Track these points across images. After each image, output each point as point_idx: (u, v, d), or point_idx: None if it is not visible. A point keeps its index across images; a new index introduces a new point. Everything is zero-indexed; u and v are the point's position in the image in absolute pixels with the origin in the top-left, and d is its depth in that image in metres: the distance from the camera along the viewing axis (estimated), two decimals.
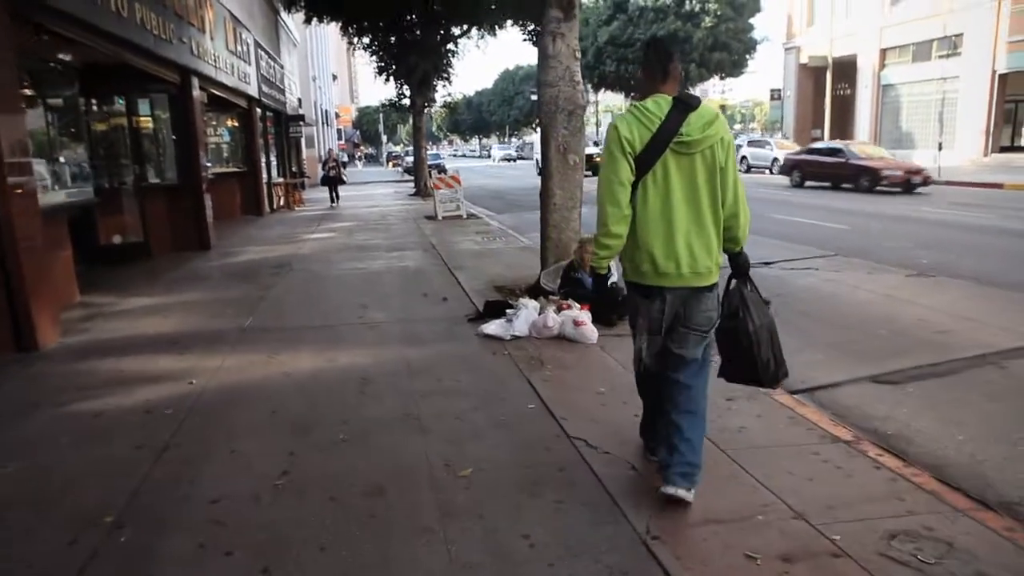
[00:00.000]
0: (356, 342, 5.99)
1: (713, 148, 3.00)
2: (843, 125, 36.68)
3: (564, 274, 6.89)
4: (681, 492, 3.07)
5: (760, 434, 4.09)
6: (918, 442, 4.21)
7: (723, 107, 73.26)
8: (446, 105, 26.84)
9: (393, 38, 22.75)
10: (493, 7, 20.86)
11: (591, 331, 5.89)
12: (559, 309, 6.34)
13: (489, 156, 70.54)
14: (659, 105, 2.99)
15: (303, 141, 28.96)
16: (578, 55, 6.97)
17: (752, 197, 16.92)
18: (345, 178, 21.37)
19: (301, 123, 26.68)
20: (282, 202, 20.62)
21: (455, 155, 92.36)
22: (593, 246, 3.20)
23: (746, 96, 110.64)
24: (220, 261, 10.78)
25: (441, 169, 32.36)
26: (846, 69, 36.15)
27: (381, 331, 6.32)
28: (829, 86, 34.30)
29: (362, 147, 79.88)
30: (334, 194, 21.31)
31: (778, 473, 3.55)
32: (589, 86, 50.91)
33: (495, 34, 23.19)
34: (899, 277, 8.66)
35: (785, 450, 3.87)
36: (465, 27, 22.64)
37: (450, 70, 24.28)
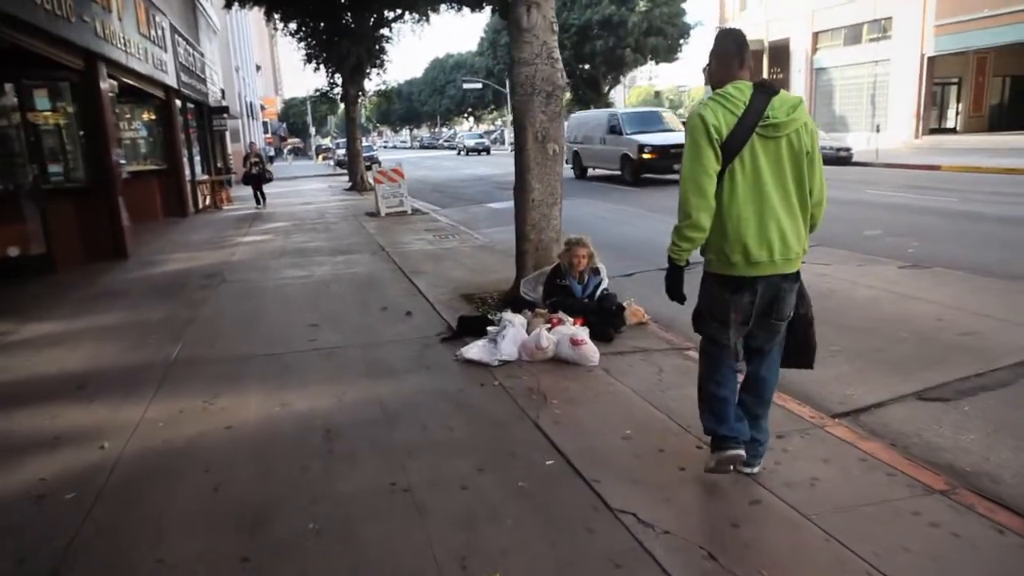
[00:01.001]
0: (312, 376, 4.95)
1: (799, 132, 2.96)
2: None
3: (548, 281, 6.00)
4: (756, 469, 3.37)
5: (838, 488, 3.29)
6: (1008, 480, 3.51)
7: (657, 93, 73.62)
8: (381, 93, 25.45)
9: (323, 23, 21.33)
10: None
11: (592, 351, 5.02)
12: (550, 325, 5.45)
13: (456, 149, 56.61)
14: (741, 90, 2.93)
15: (228, 135, 27.19)
16: (555, 28, 6.06)
17: None
18: (270, 175, 19.08)
19: (225, 115, 24.98)
20: (208, 201, 19.07)
21: (386, 146, 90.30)
22: (674, 236, 3.06)
23: (673, 82, 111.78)
24: (140, 273, 9.45)
25: (374, 161, 31.09)
26: (779, 53, 36.33)
27: (340, 360, 5.29)
28: (765, 70, 34.31)
29: (289, 140, 77.09)
30: (259, 194, 18.90)
31: (890, 550, 2.75)
32: None
33: (429, 20, 22.03)
34: (892, 269, 8.10)
35: (879, 510, 3.08)
36: (399, 11, 21.40)
37: (384, 56, 23.02)
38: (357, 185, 22.44)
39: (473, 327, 5.73)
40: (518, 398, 4.35)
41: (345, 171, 28.12)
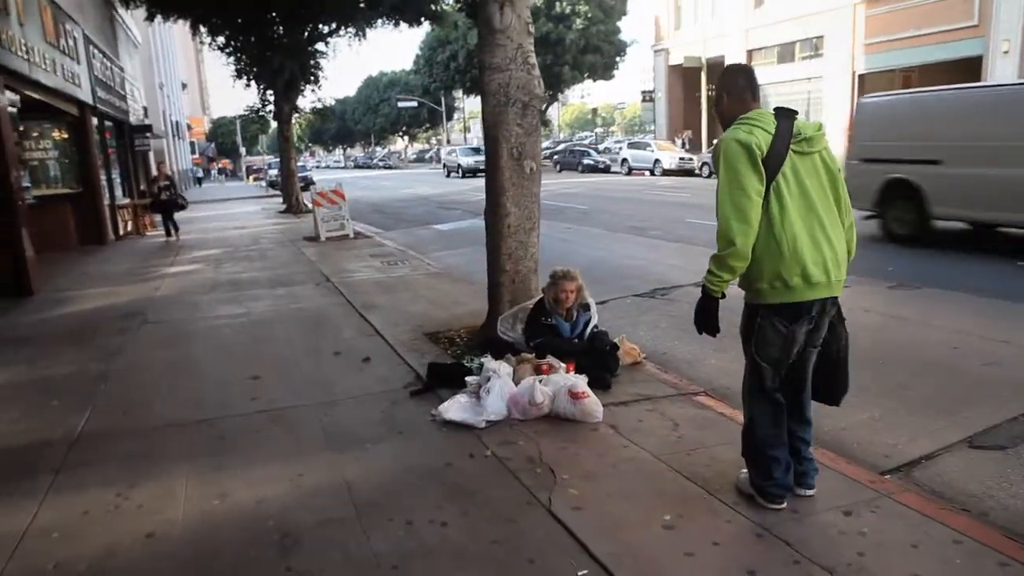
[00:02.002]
0: (257, 451, 4.00)
1: (828, 151, 2.94)
2: (714, 126, 37.21)
3: (531, 319, 5.20)
4: (815, 488, 3.22)
5: None
6: None
7: (594, 110, 74.14)
8: (318, 111, 24.30)
9: (253, 37, 20.15)
10: (363, 3, 18.88)
11: (595, 405, 4.24)
12: (538, 372, 4.65)
13: (445, 168, 43.49)
14: (763, 115, 2.88)
15: (152, 155, 25.55)
16: (531, 30, 5.32)
17: (662, 201, 15.77)
18: (184, 201, 16.47)
19: (148, 135, 23.39)
20: (130, 227, 17.61)
21: (319, 166, 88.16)
22: (713, 266, 2.88)
23: (606, 100, 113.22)
24: (45, 313, 8.22)
25: (309, 182, 29.81)
26: (716, 70, 36.52)
27: (291, 425, 4.36)
28: (704, 87, 34.60)
29: (216, 161, 74.45)
30: (170, 224, 15.65)
31: None
32: (461, 91, 49.60)
33: (365, 35, 21.08)
34: (882, 290, 7.64)
35: None
36: (335, 24, 20.42)
37: (319, 72, 21.95)
38: (292, 207, 21.28)
39: (446, 376, 4.89)
40: (520, 474, 3.52)
41: (278, 192, 26.79)
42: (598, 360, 4.96)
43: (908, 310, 6.76)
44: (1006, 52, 25.06)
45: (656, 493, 3.31)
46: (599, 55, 41.42)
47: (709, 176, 28.21)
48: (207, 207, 26.56)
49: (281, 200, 23.34)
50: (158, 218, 16.36)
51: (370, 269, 10.31)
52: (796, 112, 2.91)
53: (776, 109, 2.89)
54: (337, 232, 14.26)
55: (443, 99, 57.45)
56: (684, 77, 40.43)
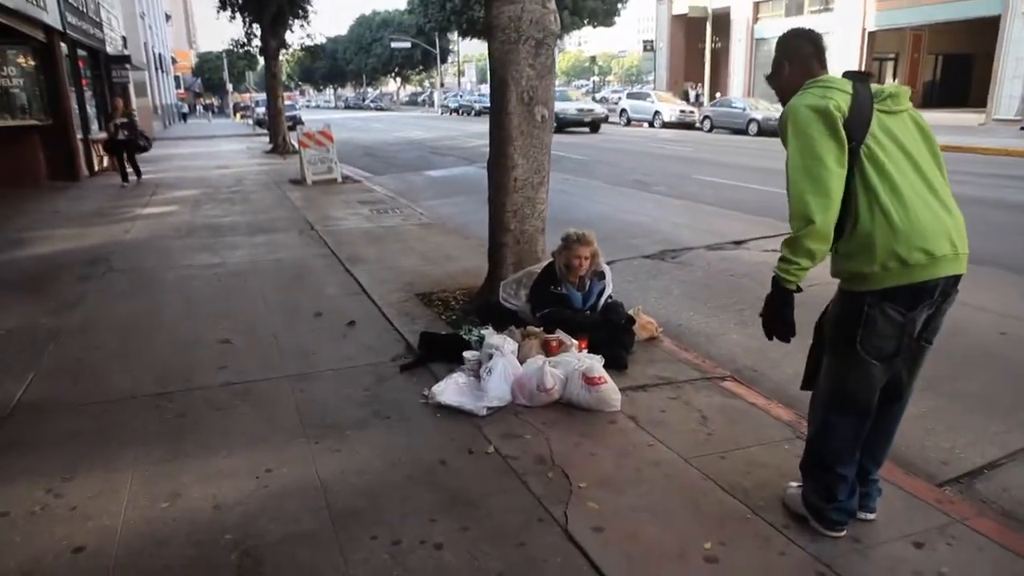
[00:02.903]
0: (219, 436, 3.43)
1: (914, 111, 2.47)
2: (716, 78, 36.23)
3: (538, 287, 4.62)
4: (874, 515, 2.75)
5: None
6: None
7: (592, 58, 72.34)
8: (307, 49, 23.15)
9: None
10: None
11: (613, 392, 3.70)
12: (547, 349, 4.09)
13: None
14: (833, 78, 2.44)
15: (132, 88, 24.37)
16: None
17: (664, 155, 15.05)
18: (147, 142, 14.35)
19: (128, 66, 22.23)
20: (106, 163, 16.71)
21: (309, 106, 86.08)
22: (787, 251, 2.37)
23: (603, 48, 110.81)
24: (0, 256, 7.55)
25: (297, 122, 28.75)
26: (719, 22, 35.48)
27: (260, 403, 3.78)
28: (708, 38, 33.46)
29: (203, 97, 72.32)
30: (128, 169, 13.81)
31: None
32: (456, 33, 47.92)
33: None
34: None
35: None
36: None
37: (308, 5, 20.81)
38: (279, 147, 20.42)
39: (441, 349, 4.32)
40: (528, 478, 2.98)
41: (265, 131, 25.77)
42: (612, 335, 4.41)
43: None
44: None
45: (691, 510, 2.79)
46: (600, 0, 39.89)
47: (711, 130, 27.42)
48: (190, 144, 25.58)
49: (268, 140, 22.42)
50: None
51: (358, 217, 9.65)
52: (871, 74, 2.49)
53: (846, 73, 2.48)
54: (324, 176, 13.54)
55: (438, 41, 55.64)
56: (687, 27, 39.16)
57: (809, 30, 2.69)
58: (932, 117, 26.32)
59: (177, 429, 3.46)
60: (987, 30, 25.41)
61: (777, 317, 2.52)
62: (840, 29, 30.39)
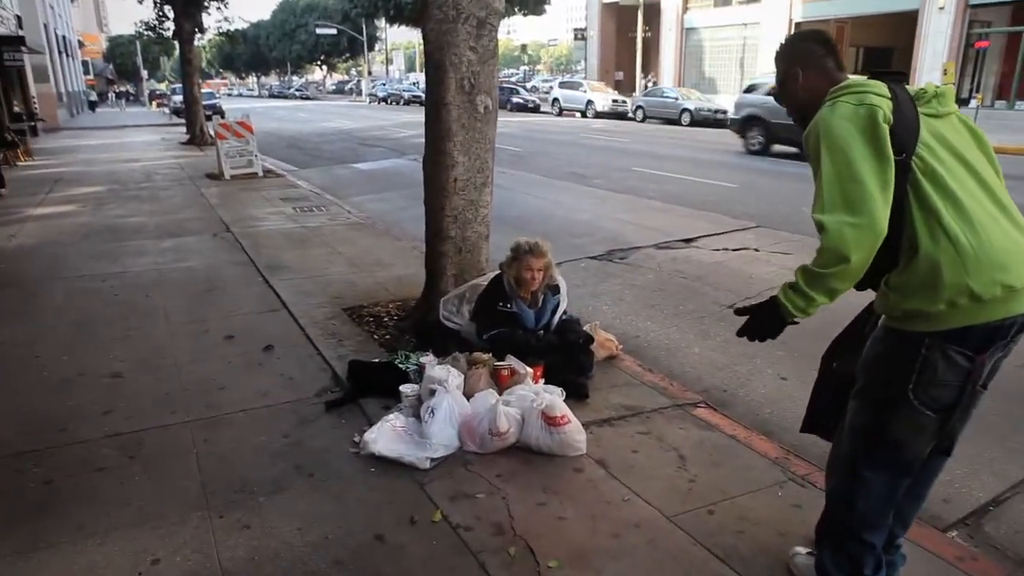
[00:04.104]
0: (93, 516, 2.71)
1: (959, 113, 2.04)
2: (647, 67, 36.22)
3: (484, 303, 4.05)
4: None
5: None
6: None
7: (523, 46, 71.78)
8: (225, 34, 21.81)
9: None
10: None
11: (578, 433, 3.17)
12: (497, 379, 3.54)
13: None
14: (863, 81, 1.99)
15: (30, 73, 22.55)
16: None
17: (600, 146, 14.68)
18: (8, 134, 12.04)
19: (23, 48, 20.47)
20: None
21: (231, 94, 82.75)
22: (804, 282, 1.93)
23: (532, 37, 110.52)
24: None
25: (216, 111, 27.28)
26: (650, 11, 35.44)
27: (151, 461, 3.08)
28: (640, 27, 33.36)
29: (116, 84, 68.56)
30: None
31: None
32: (384, 19, 46.61)
33: None
34: None
35: None
36: None
37: None
38: (196, 138, 19.18)
39: (373, 380, 3.72)
40: (486, 557, 2.42)
41: (183, 120, 24.28)
42: (570, 357, 3.89)
43: None
44: (942, 8, 24.80)
45: None
46: None
47: (643, 120, 27.30)
48: (99, 134, 23.87)
49: (185, 130, 21.07)
50: (41, 144, 13.87)
51: (280, 216, 8.86)
52: (904, 73, 2.11)
53: (873, 73, 2.04)
54: (244, 169, 12.61)
55: (365, 27, 54.13)
56: (618, 16, 39.02)
57: (813, 30, 2.33)
58: None
59: (40, 504, 2.75)
60: (906, 24, 26.06)
61: (763, 338, 2.15)
62: (768, 20, 30.76)
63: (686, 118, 25.18)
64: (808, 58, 2.16)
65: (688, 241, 7.68)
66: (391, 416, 3.23)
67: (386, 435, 3.09)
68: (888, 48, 32.33)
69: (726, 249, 7.31)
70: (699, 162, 14.47)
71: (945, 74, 22.39)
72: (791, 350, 4.71)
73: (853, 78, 2.04)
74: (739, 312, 2.21)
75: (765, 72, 30.92)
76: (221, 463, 3.02)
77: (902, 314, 1.93)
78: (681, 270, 6.60)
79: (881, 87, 1.95)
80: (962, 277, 1.82)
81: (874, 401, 2.07)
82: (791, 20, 30.27)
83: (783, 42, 2.26)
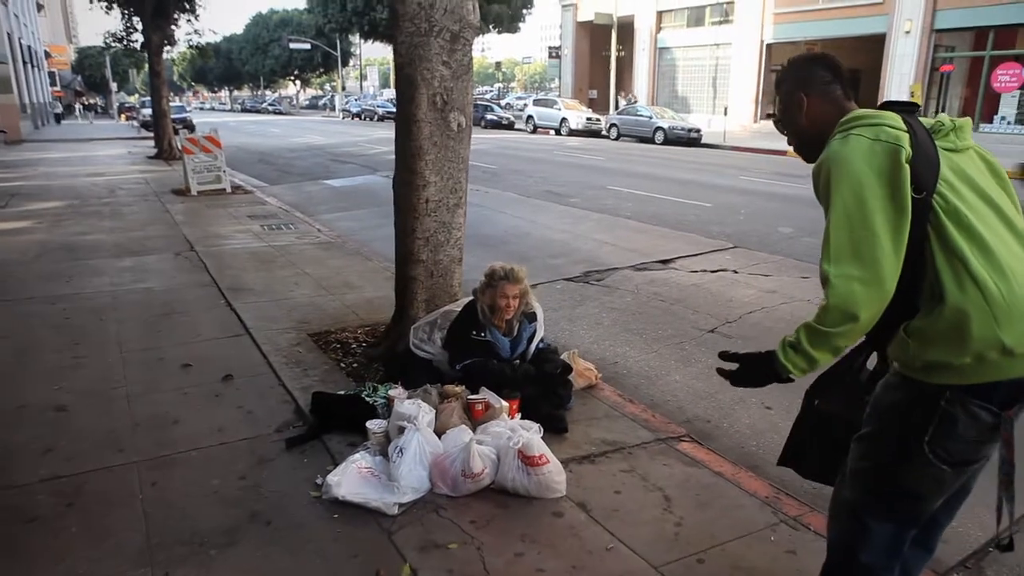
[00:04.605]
0: (21, 565, 2.47)
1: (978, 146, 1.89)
2: (620, 86, 36.43)
3: (456, 331, 3.84)
4: None
5: None
6: None
7: (498, 64, 72.02)
8: (196, 47, 21.44)
9: None
10: None
11: (557, 473, 2.97)
12: (470, 414, 3.33)
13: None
14: (873, 113, 1.83)
15: None
16: None
17: (575, 164, 14.58)
18: None
19: None
20: None
21: (202, 108, 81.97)
22: (807, 341, 1.78)
23: (506, 54, 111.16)
24: None
25: (187, 125, 26.83)
26: (624, 30, 35.74)
27: (92, 510, 2.80)
28: (614, 46, 33.57)
29: (85, 96, 67.44)
30: None
31: None
32: (358, 35, 46.43)
33: None
34: None
35: None
36: None
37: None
38: (164, 152, 18.77)
39: (338, 414, 3.48)
40: None
41: (151, 134, 23.79)
42: (548, 389, 3.70)
43: None
44: (908, 32, 25.30)
45: None
46: (505, 5, 39.42)
47: (617, 138, 27.36)
48: (64, 147, 23.30)
49: (153, 143, 20.62)
50: (1, 157, 13.52)
51: (247, 235, 8.58)
52: (917, 105, 1.93)
53: (884, 104, 1.90)
54: (211, 185, 12.29)
55: (339, 43, 53.87)
56: (592, 34, 39.31)
57: (821, 53, 2.09)
58: None
59: None
60: (874, 47, 26.53)
61: (752, 384, 2.01)
62: (739, 41, 31.17)
63: (660, 136, 25.27)
64: (814, 83, 1.99)
65: (666, 263, 7.56)
66: (356, 456, 3.00)
67: (351, 477, 2.85)
68: (856, 70, 32.91)
69: (704, 271, 7.19)
70: (673, 180, 14.42)
71: (912, 96, 22.81)
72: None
73: (864, 110, 1.88)
74: (726, 357, 2.05)
75: (736, 93, 31.36)
76: (169, 511, 2.76)
77: (923, 365, 1.75)
78: (659, 293, 6.46)
79: (896, 119, 1.78)
80: (992, 329, 1.65)
81: (884, 450, 1.90)
82: (762, 41, 30.70)
83: (786, 64, 2.09)
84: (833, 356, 1.82)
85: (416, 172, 4.06)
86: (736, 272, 7.11)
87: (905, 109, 1.87)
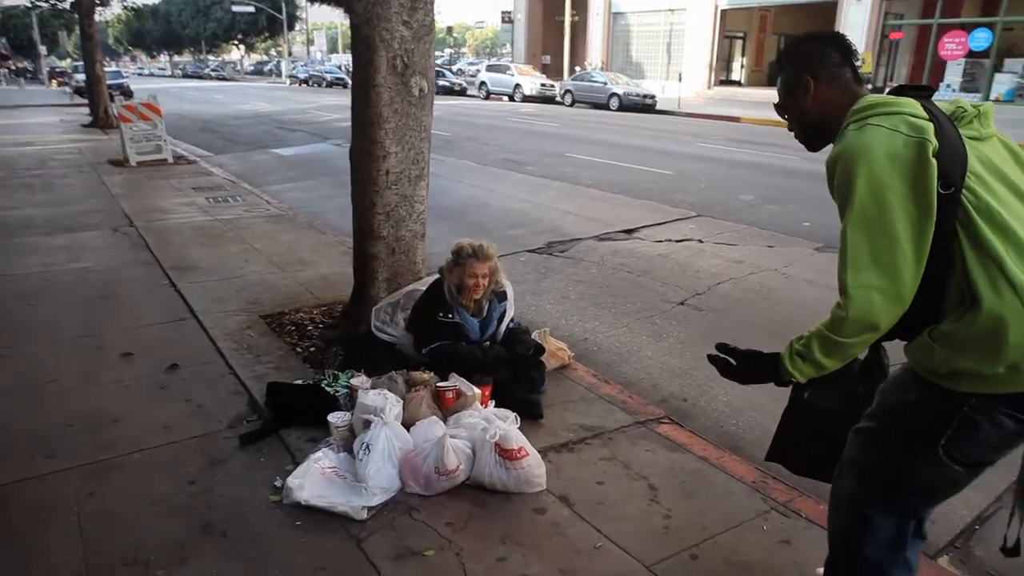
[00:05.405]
0: None
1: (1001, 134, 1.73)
2: (574, 52, 36.01)
3: (421, 313, 3.60)
4: None
5: None
6: None
7: (449, 28, 70.64)
8: (131, 8, 20.30)
9: None
10: None
11: (537, 465, 2.78)
12: (440, 402, 3.11)
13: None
14: (890, 99, 1.65)
15: None
16: None
17: (532, 131, 14.31)
18: None
19: None
20: None
21: (141, 73, 78.60)
22: (819, 350, 1.67)
23: (457, 19, 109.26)
24: None
25: (125, 91, 25.58)
26: None
27: (19, 527, 2.50)
28: (568, 11, 33.08)
29: (12, 60, 63.94)
30: None
31: None
32: None
33: None
34: (808, 252, 6.67)
35: None
36: None
37: None
38: (99, 120, 17.79)
39: (297, 406, 3.22)
40: None
41: (85, 101, 22.59)
42: (520, 372, 3.49)
43: None
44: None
45: None
46: None
47: (572, 104, 27.05)
48: None
49: (88, 111, 19.57)
50: None
51: (191, 208, 8.12)
52: (931, 88, 1.77)
53: (895, 89, 1.73)
54: (152, 155, 11.64)
55: (284, 6, 52.12)
56: (544, 0, 38.71)
57: (827, 31, 1.92)
58: None
59: None
60: (826, 14, 26.60)
61: (747, 381, 1.93)
62: (694, 6, 30.94)
63: (615, 103, 25.05)
64: (822, 65, 1.80)
65: (630, 232, 7.39)
66: (319, 454, 2.75)
67: (314, 479, 2.61)
68: None
69: (669, 240, 7.05)
70: (631, 147, 14.25)
71: (863, 63, 22.97)
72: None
73: (879, 96, 1.70)
74: (724, 351, 1.93)
75: (691, 59, 31.23)
76: (110, 524, 2.48)
77: (949, 372, 1.61)
78: (626, 264, 6.29)
79: (916, 107, 1.61)
80: (1011, 336, 1.50)
81: (890, 448, 1.78)
82: (717, 7, 30.54)
83: (788, 43, 1.90)
84: (838, 363, 1.71)
85: (376, 141, 3.76)
86: (701, 242, 6.98)
87: (918, 93, 1.69)
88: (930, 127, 1.57)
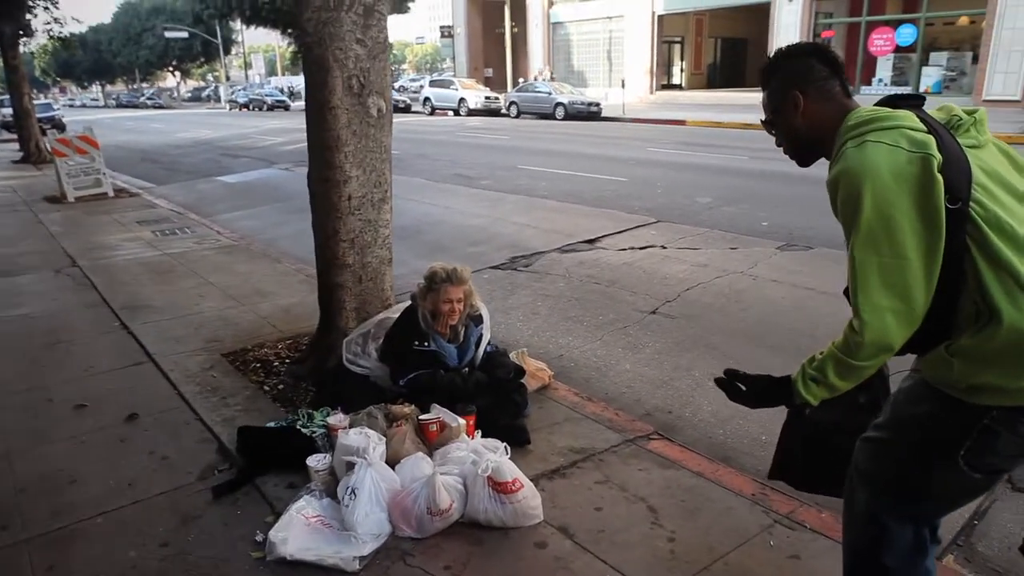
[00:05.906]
0: None
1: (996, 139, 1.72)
2: (516, 63, 36.21)
3: (396, 345, 3.44)
4: None
5: None
6: None
7: (390, 46, 70.20)
8: (57, 38, 19.58)
9: None
10: None
11: (533, 497, 2.65)
12: (424, 436, 2.96)
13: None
14: (885, 112, 1.61)
15: None
16: None
17: (481, 145, 14.24)
18: None
19: None
20: None
21: (73, 105, 76.20)
22: (833, 372, 1.64)
23: (395, 37, 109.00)
24: None
25: (57, 124, 24.71)
26: (516, 6, 35.42)
27: None
28: (508, 23, 33.23)
29: None
30: None
31: None
32: (239, 21, 44.12)
33: None
34: (771, 251, 6.70)
35: None
36: None
37: None
38: (31, 155, 17.13)
39: (272, 451, 3.03)
40: None
41: (14, 136, 21.74)
42: (503, 398, 3.37)
43: (818, 279, 5.82)
44: (791, 0, 26.05)
45: None
46: None
47: (517, 116, 27.10)
48: None
49: (18, 147, 18.79)
50: None
51: (138, 243, 7.79)
52: (922, 96, 1.75)
53: (885, 99, 1.70)
54: (90, 190, 11.22)
55: (219, 30, 51.08)
56: (484, 12, 38.86)
57: (810, 43, 1.91)
58: (719, 97, 28.04)
59: None
60: (759, 16, 27.30)
61: (757, 406, 1.89)
62: (631, 13, 31.42)
63: (560, 112, 25.17)
64: (810, 79, 1.76)
65: (592, 242, 7.34)
66: (300, 502, 2.58)
67: (298, 530, 2.44)
68: (742, 39, 33.92)
69: (632, 248, 7.02)
70: (582, 156, 14.28)
71: None
72: (726, 356, 4.42)
73: (873, 109, 1.65)
74: (734, 377, 1.90)
75: (631, 65, 31.63)
76: None
77: (968, 387, 1.57)
78: (592, 275, 6.22)
79: (913, 119, 1.57)
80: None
81: (903, 459, 1.74)
82: (653, 13, 31.04)
83: (773, 57, 1.84)
84: (849, 385, 1.69)
85: (335, 166, 3.61)
86: (664, 248, 6.96)
87: (908, 102, 1.66)
88: (932, 140, 1.52)
